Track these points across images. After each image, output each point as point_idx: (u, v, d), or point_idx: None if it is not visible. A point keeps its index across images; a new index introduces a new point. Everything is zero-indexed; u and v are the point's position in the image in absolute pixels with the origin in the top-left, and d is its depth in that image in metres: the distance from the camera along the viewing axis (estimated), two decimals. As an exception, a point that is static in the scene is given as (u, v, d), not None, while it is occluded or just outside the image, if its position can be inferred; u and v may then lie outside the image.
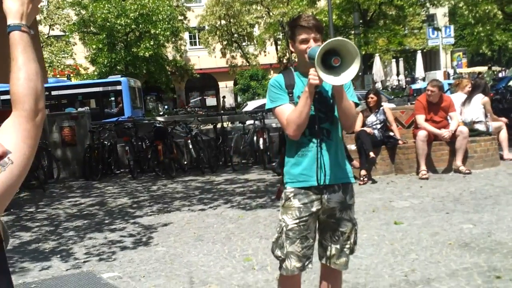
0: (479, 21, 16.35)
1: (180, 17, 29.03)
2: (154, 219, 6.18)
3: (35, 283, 4.12)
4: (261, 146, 9.77)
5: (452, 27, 27.01)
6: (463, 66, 32.36)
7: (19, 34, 1.23)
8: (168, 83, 30.42)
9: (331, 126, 2.50)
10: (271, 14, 25.54)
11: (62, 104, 18.18)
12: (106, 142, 10.61)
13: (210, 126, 11.37)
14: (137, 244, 5.09)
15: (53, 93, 18.06)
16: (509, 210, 5.22)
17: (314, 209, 2.49)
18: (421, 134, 7.44)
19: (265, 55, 28.86)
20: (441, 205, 5.69)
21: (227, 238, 5.01)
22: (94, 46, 26.87)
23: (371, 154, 7.27)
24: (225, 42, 29.73)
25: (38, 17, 15.99)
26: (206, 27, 29.42)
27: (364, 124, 7.71)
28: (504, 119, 8.51)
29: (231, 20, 28.52)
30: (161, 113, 24.91)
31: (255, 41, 29.50)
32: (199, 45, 33.24)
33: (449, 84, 14.48)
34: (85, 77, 28.43)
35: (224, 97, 34.64)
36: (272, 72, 31.26)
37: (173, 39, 28.78)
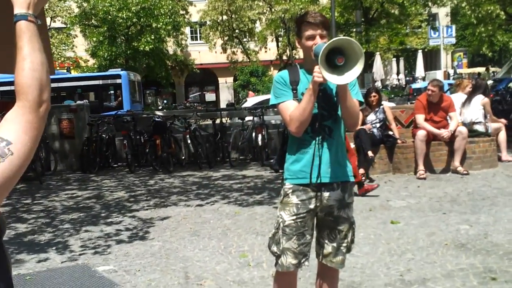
0: (481, 21, 16.32)
1: (182, 12, 28.97)
2: (150, 213, 6.17)
3: (29, 275, 4.11)
4: (260, 143, 9.73)
5: (453, 27, 26.95)
6: (464, 67, 32.31)
7: (26, 24, 1.20)
8: (168, 78, 30.34)
9: (333, 124, 2.50)
10: (273, 10, 25.48)
11: (61, 96, 18.11)
12: (104, 136, 10.58)
13: (209, 122, 11.36)
14: (133, 238, 5.08)
15: (52, 85, 17.89)
16: (506, 212, 5.22)
17: (312, 206, 2.49)
18: (420, 133, 7.42)
19: (266, 51, 28.81)
20: (438, 205, 5.69)
21: (224, 234, 5.00)
22: (94, 39, 26.82)
23: (370, 153, 7.26)
24: (226, 38, 29.65)
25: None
26: (208, 22, 29.32)
27: (363, 123, 7.69)
28: (503, 120, 8.52)
29: (233, 16, 28.44)
30: (160, 108, 24.85)
31: (256, 37, 29.44)
32: (200, 40, 33.14)
33: (449, 84, 14.48)
34: (85, 69, 28.37)
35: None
36: (272, 68, 31.18)
37: (174, 34, 28.72)
